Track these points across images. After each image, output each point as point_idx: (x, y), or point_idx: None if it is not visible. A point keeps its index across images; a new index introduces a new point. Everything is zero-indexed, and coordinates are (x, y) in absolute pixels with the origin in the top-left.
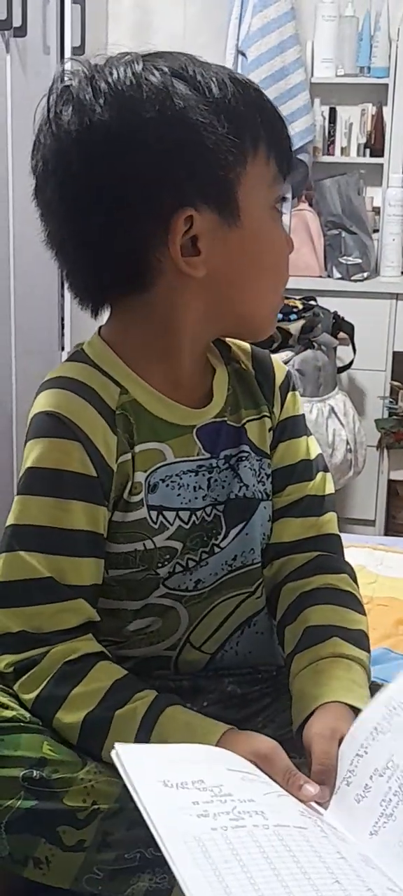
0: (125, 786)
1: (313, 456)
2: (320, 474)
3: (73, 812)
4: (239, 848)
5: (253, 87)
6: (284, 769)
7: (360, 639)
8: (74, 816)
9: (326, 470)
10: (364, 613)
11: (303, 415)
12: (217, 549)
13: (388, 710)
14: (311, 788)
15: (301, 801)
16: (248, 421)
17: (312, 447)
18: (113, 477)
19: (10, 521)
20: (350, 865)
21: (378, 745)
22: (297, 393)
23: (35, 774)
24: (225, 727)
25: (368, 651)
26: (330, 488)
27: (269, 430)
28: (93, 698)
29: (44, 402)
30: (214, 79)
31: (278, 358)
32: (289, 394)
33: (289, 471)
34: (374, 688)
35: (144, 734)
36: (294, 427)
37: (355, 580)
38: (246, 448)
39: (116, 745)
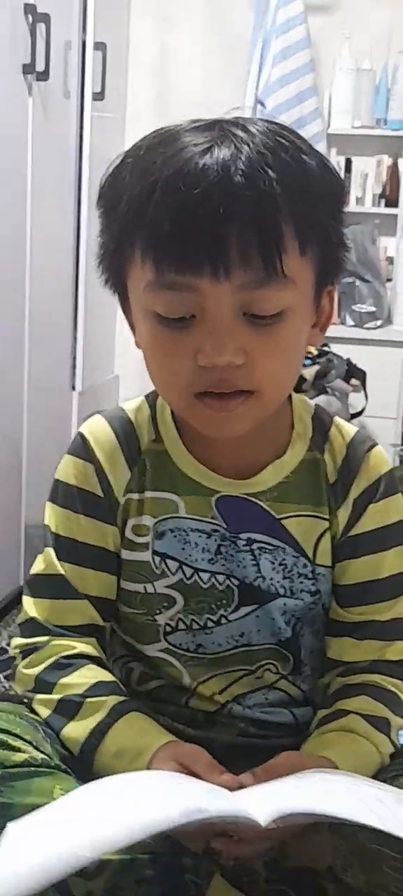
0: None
1: (397, 572)
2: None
3: None
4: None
5: (153, 184)
6: (207, 765)
7: (379, 722)
8: (83, 868)
9: None
10: (400, 716)
11: (399, 522)
12: (224, 621)
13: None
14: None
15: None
16: (292, 517)
17: (399, 562)
18: (118, 508)
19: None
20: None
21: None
22: (394, 498)
23: None
24: (168, 739)
25: (385, 734)
26: None
27: (324, 532)
28: (76, 689)
29: (87, 422)
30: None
31: None
32: (375, 504)
33: (361, 590)
34: None
35: (106, 724)
36: (376, 541)
37: None
38: (277, 542)
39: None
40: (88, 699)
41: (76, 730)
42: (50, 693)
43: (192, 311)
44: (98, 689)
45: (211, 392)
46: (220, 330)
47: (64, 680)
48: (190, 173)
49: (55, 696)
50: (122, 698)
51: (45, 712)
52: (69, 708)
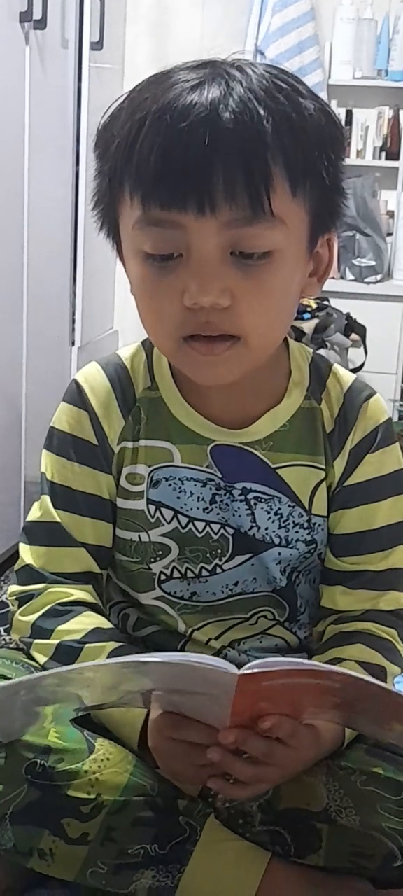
0: (130, 778)
1: (392, 522)
2: (399, 548)
3: (78, 804)
4: None
5: (142, 120)
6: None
7: (375, 670)
8: (78, 809)
9: None
10: (396, 664)
11: (395, 472)
12: (219, 570)
13: None
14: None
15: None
16: (288, 466)
17: (394, 513)
18: (113, 456)
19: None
20: None
21: None
22: (391, 448)
23: (38, 767)
24: None
25: (382, 682)
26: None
27: (320, 482)
28: (75, 635)
29: (82, 369)
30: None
31: None
32: (371, 454)
33: (356, 540)
34: None
35: None
36: (371, 491)
37: None
38: (273, 491)
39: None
40: (87, 644)
41: None
42: (47, 639)
43: (179, 248)
44: (96, 635)
45: (199, 336)
46: (206, 269)
47: (61, 626)
48: (177, 108)
49: (53, 642)
50: (121, 644)
51: (42, 658)
52: (68, 653)
